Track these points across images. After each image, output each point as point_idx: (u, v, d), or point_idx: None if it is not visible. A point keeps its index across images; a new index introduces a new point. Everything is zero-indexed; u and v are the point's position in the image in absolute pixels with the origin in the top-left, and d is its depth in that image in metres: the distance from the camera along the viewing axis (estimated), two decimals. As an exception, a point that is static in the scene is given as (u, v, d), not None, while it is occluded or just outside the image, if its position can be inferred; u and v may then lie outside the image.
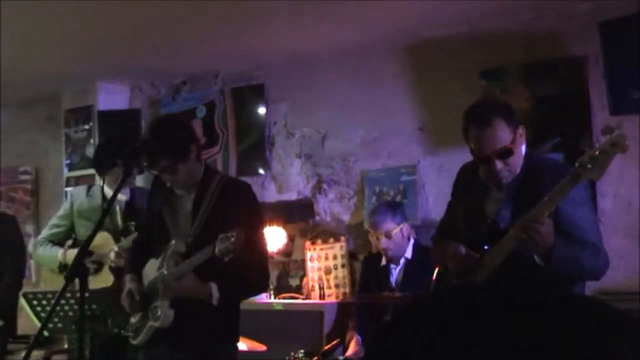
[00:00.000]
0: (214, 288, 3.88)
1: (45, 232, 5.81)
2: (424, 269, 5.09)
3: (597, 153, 2.95)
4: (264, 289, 5.41)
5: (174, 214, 4.12)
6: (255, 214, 4.14)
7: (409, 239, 5.56)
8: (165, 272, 3.94)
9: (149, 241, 4.24)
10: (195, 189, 4.06)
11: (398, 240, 5.47)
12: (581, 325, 0.73)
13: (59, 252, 5.52)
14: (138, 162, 3.89)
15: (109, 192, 5.21)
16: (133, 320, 4.10)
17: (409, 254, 5.54)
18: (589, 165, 2.96)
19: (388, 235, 5.45)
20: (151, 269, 4.08)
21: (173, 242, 3.98)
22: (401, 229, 5.49)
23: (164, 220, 4.12)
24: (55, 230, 5.74)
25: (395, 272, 5.53)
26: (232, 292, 3.99)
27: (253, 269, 3.90)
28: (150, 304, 4.00)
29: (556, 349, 0.70)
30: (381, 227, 5.49)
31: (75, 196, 5.76)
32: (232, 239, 3.62)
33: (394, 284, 5.43)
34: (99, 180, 5.89)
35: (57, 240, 5.67)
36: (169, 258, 3.96)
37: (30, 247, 6.34)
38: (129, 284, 4.08)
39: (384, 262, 5.63)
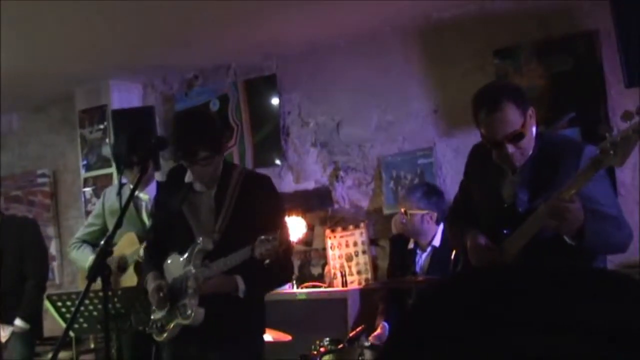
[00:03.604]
0: (240, 281, 3.88)
1: (80, 232, 5.82)
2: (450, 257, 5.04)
3: (618, 139, 2.88)
4: (288, 279, 5.42)
5: (196, 211, 4.09)
6: (278, 206, 4.16)
7: (436, 226, 5.43)
8: (193, 270, 3.91)
9: (165, 238, 4.22)
10: (216, 184, 4.05)
11: (416, 222, 5.36)
12: (606, 301, 0.72)
13: (89, 257, 5.50)
14: (156, 156, 3.88)
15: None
16: (156, 316, 4.08)
17: (437, 241, 5.38)
18: (611, 152, 2.90)
19: (405, 214, 5.41)
20: (175, 266, 4.05)
21: (200, 239, 3.95)
22: (422, 215, 5.37)
23: (185, 217, 4.10)
24: (90, 229, 5.75)
25: (422, 259, 5.44)
26: (258, 284, 3.99)
27: (278, 260, 3.81)
28: (177, 301, 3.98)
29: (583, 326, 0.69)
30: (403, 203, 5.45)
31: (108, 195, 5.76)
32: (274, 242, 3.60)
33: (419, 270, 5.35)
34: (117, 180, 5.89)
35: (92, 240, 5.67)
36: (196, 256, 3.94)
37: (52, 249, 6.34)
38: (155, 280, 4.05)
39: (411, 245, 5.54)
